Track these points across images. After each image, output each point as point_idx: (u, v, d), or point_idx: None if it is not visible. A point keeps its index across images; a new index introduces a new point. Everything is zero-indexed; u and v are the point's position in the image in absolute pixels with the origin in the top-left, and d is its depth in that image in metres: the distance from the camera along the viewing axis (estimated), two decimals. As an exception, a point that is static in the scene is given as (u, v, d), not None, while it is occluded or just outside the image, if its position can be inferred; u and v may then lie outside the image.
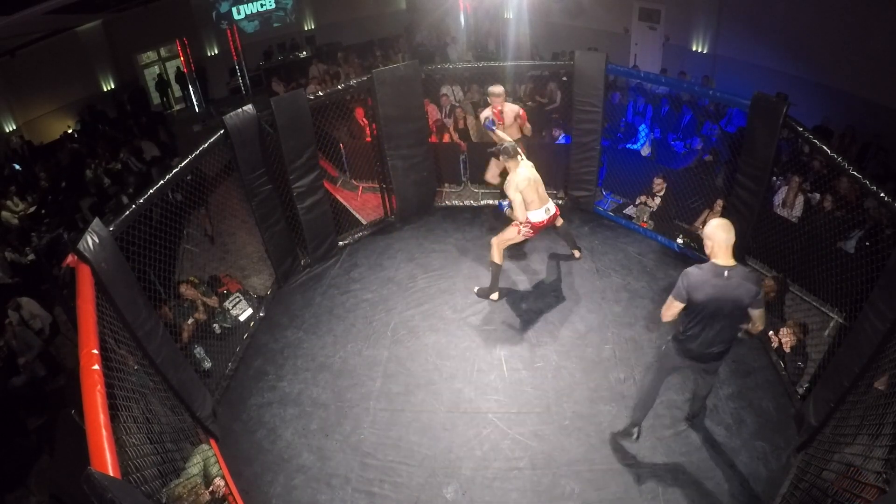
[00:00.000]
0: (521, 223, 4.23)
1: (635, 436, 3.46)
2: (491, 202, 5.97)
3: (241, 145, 4.28)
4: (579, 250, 5.14)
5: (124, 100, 11.60)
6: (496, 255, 4.51)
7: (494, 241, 4.49)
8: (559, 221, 4.80)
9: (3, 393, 4.96)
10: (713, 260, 2.80)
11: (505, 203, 4.45)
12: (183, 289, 4.68)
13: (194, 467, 3.16)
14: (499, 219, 5.25)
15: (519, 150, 4.32)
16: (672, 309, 2.90)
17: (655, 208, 5.50)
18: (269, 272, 5.19)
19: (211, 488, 3.04)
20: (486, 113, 5.08)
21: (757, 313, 2.83)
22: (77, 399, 2.23)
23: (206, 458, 3.28)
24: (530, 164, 4.34)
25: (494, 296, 4.71)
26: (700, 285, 2.76)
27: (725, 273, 2.74)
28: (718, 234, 2.79)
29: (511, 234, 4.37)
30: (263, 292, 5.09)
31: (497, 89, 4.97)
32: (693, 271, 2.80)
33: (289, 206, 4.92)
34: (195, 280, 4.92)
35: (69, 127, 10.64)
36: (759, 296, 2.77)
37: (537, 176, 4.32)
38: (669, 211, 5.42)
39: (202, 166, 4.44)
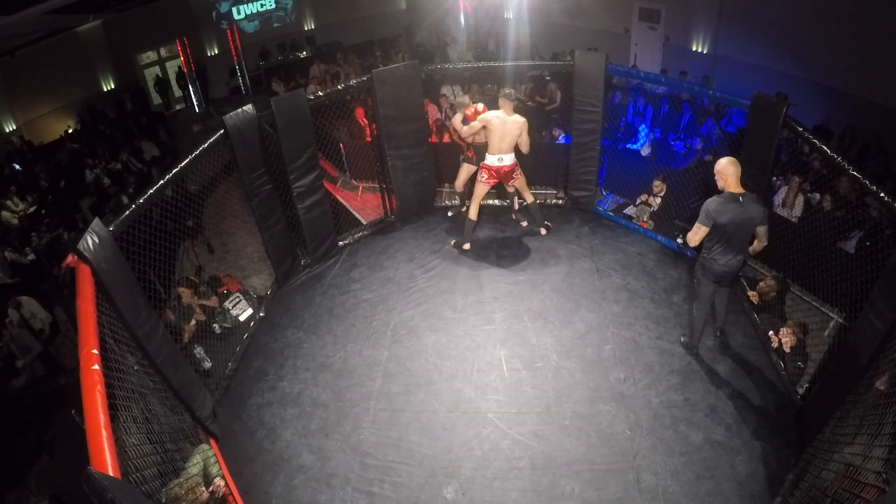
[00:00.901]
0: (455, 132, 4.94)
1: (695, 352, 4.05)
2: (496, 203, 5.98)
3: (241, 145, 4.28)
4: (546, 228, 5.47)
5: (124, 99, 11.60)
6: (472, 211, 5.10)
7: (472, 199, 5.10)
8: (528, 197, 5.26)
9: (2, 394, 4.96)
10: (728, 190, 3.39)
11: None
12: (181, 290, 4.68)
13: (194, 467, 3.16)
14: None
15: (512, 102, 4.77)
16: (699, 234, 3.50)
17: (655, 208, 5.50)
18: (269, 272, 5.19)
19: (211, 488, 3.04)
20: (458, 117, 5.25)
21: (762, 230, 3.49)
22: (77, 399, 2.23)
23: (206, 458, 3.28)
24: (515, 119, 4.76)
25: (466, 245, 5.26)
26: (723, 211, 3.36)
27: (740, 199, 3.36)
28: (729, 169, 3.40)
29: (479, 189, 5.01)
30: (263, 292, 5.09)
31: (464, 100, 5.28)
32: (715, 200, 3.40)
33: (289, 206, 4.92)
34: (194, 280, 4.92)
35: (69, 127, 10.64)
36: (766, 213, 3.47)
37: (512, 130, 4.76)
38: (669, 211, 5.43)
39: (188, 181, 4.34)
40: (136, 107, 11.58)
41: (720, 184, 3.45)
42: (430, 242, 5.50)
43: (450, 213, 5.87)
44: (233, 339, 4.56)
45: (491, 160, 4.88)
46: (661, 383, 3.91)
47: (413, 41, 12.69)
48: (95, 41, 10.99)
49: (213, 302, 4.74)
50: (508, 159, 4.88)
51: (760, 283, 4.35)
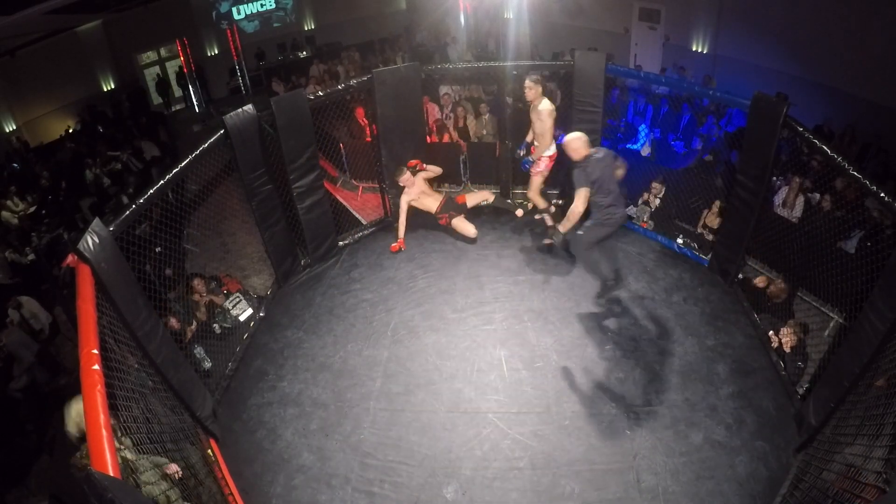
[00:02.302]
0: (542, 156, 5.08)
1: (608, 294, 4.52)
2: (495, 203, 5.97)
3: (241, 145, 4.28)
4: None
5: (122, 99, 11.59)
6: (540, 203, 5.30)
7: (531, 194, 5.30)
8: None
9: (2, 395, 4.96)
10: (585, 154, 3.98)
11: (531, 159, 5.09)
12: (196, 283, 4.67)
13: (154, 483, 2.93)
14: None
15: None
16: (583, 197, 3.96)
17: (654, 208, 5.50)
18: (269, 272, 5.19)
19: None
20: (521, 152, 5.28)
21: (620, 161, 4.15)
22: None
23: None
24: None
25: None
26: (591, 169, 3.93)
27: (597, 154, 3.98)
28: (576, 143, 4.00)
29: (536, 181, 5.20)
30: (263, 292, 5.09)
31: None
32: (584, 165, 3.95)
33: (289, 206, 4.92)
34: (205, 275, 4.92)
35: (69, 127, 10.64)
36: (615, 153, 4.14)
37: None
38: (669, 211, 5.42)
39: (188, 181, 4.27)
40: (135, 107, 11.57)
41: (574, 157, 4.00)
42: (429, 242, 5.50)
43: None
44: (233, 339, 4.56)
45: (551, 150, 5.07)
46: (661, 383, 3.91)
47: (413, 41, 12.69)
48: (95, 41, 11.00)
49: (220, 300, 4.75)
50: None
51: (771, 286, 4.33)
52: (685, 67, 8.91)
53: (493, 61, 7.46)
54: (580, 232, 4.15)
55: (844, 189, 5.01)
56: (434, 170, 5.46)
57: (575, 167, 4.02)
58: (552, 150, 5.06)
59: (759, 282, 4.51)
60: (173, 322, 4.28)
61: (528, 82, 4.82)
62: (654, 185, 5.50)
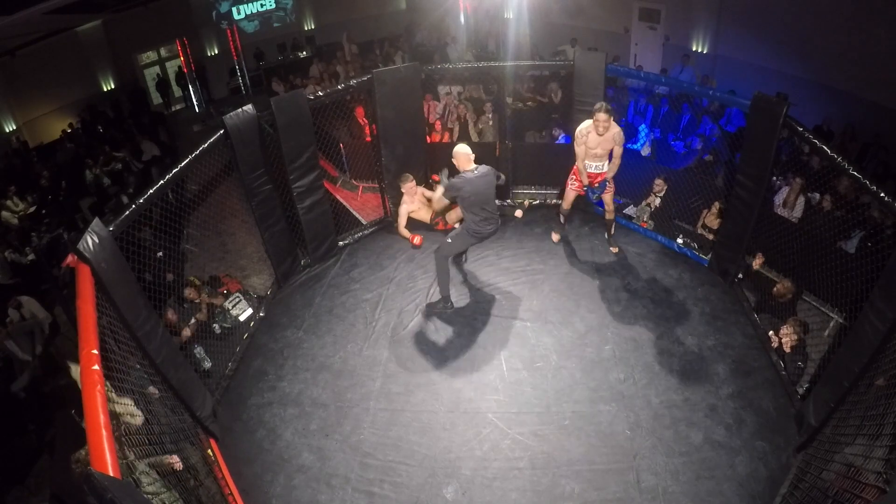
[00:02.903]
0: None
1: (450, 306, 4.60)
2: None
3: (241, 145, 4.28)
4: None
5: (122, 99, 11.59)
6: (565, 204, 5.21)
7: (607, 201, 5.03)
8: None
9: (2, 395, 4.96)
10: (465, 168, 4.13)
11: (598, 186, 4.85)
12: (187, 292, 4.69)
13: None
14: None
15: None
16: (439, 194, 4.41)
17: (654, 208, 5.49)
18: (269, 272, 5.19)
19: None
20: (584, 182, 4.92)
21: (502, 177, 4.41)
22: (77, 399, 2.23)
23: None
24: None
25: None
26: (464, 185, 4.03)
27: (475, 171, 4.10)
28: (461, 154, 4.15)
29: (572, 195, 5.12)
30: (263, 292, 5.09)
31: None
32: (456, 181, 4.06)
33: (289, 206, 4.92)
34: (196, 282, 4.92)
35: (70, 123, 10.62)
36: (496, 172, 4.27)
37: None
38: (669, 211, 5.42)
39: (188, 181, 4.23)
40: (135, 107, 11.57)
41: (459, 167, 4.15)
42: (429, 242, 5.50)
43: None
44: (233, 339, 4.57)
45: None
46: (661, 383, 3.91)
47: (413, 41, 12.68)
48: (95, 41, 10.98)
49: (218, 301, 4.75)
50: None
51: (777, 286, 4.32)
52: (689, 56, 8.89)
53: (493, 61, 7.47)
54: (448, 239, 4.34)
55: (847, 192, 5.00)
56: (436, 199, 5.09)
57: (456, 175, 4.15)
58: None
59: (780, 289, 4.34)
60: (170, 315, 4.27)
61: (603, 116, 4.44)
62: (657, 182, 5.49)
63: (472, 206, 4.11)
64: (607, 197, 4.95)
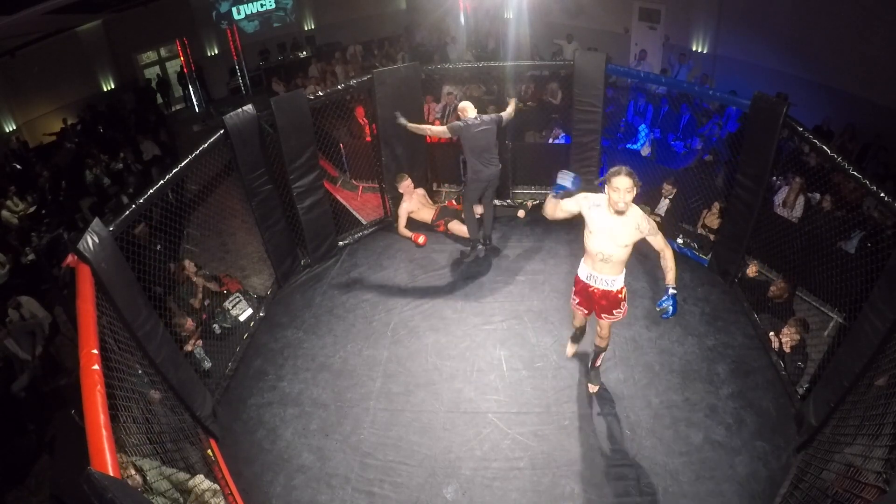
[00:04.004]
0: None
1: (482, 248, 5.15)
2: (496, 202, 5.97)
3: (241, 145, 4.28)
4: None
5: (124, 99, 11.59)
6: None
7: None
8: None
9: (2, 395, 4.96)
10: (467, 116, 4.60)
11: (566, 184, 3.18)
12: (186, 262, 4.68)
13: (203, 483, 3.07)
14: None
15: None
16: (439, 130, 4.71)
17: (663, 213, 5.42)
18: (269, 272, 5.19)
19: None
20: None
21: (506, 112, 4.80)
22: (77, 399, 2.23)
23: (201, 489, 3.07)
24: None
25: None
26: (461, 130, 4.54)
27: (478, 119, 4.59)
28: (465, 107, 4.67)
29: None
30: (263, 292, 5.09)
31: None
32: (457, 123, 4.59)
33: (289, 206, 4.92)
34: (190, 266, 4.92)
35: (66, 121, 10.59)
36: (498, 116, 4.70)
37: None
38: (676, 214, 5.39)
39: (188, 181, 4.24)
40: (141, 106, 11.57)
41: (462, 116, 4.62)
42: (429, 243, 5.50)
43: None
44: (233, 339, 4.56)
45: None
46: (661, 383, 3.91)
47: (413, 41, 12.68)
48: (95, 41, 10.98)
49: (214, 286, 4.74)
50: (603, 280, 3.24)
51: (772, 287, 4.32)
52: (685, 54, 8.90)
53: (493, 61, 7.47)
54: (465, 190, 4.93)
55: (847, 192, 5.00)
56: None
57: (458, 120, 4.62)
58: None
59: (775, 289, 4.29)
60: (189, 323, 4.29)
61: (626, 182, 2.86)
62: (666, 186, 5.45)
63: (470, 150, 4.60)
64: (605, 323, 3.48)
